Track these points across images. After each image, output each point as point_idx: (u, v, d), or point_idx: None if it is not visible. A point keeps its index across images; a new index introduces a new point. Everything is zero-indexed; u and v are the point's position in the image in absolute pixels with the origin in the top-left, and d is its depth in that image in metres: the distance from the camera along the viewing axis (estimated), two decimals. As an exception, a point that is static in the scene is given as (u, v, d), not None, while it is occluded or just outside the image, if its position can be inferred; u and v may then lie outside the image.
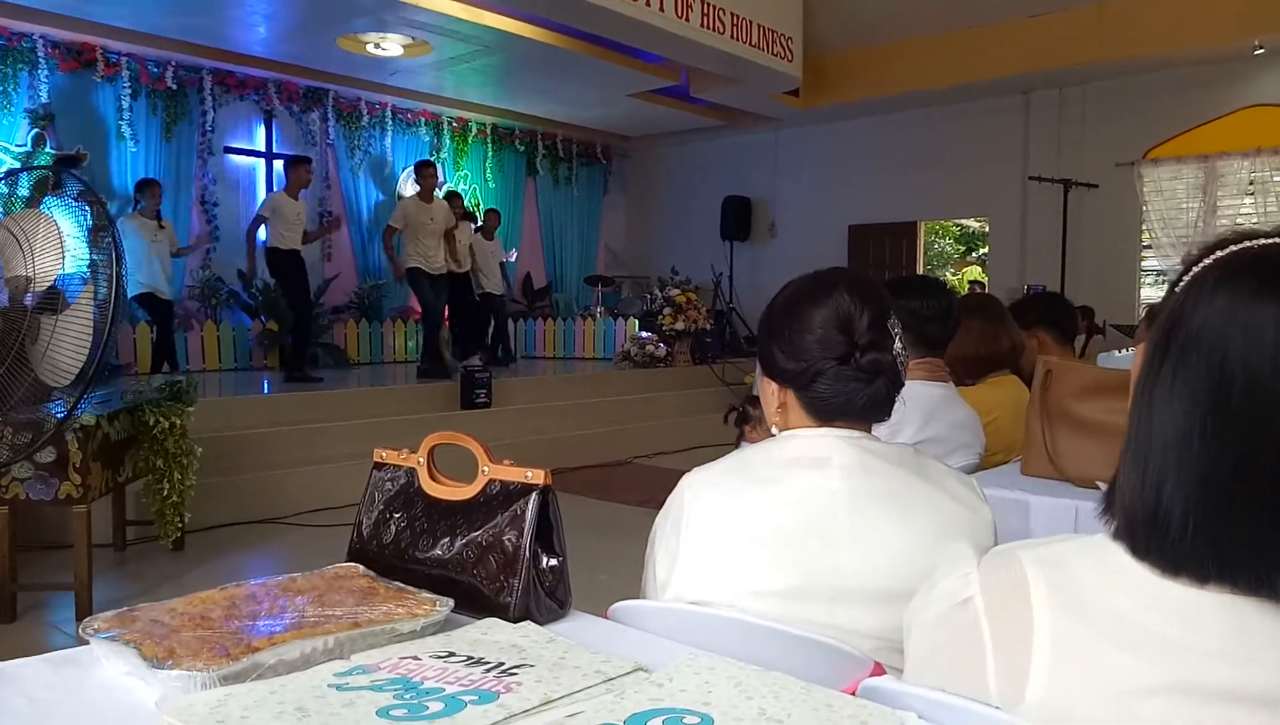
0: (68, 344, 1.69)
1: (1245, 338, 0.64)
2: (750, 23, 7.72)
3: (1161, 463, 0.67)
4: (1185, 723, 0.65)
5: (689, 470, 1.22)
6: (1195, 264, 0.71)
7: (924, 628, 0.79)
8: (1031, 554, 0.73)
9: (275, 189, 8.42)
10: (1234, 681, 0.64)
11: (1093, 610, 0.68)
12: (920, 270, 10.30)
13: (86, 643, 0.95)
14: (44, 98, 7.22)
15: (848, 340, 1.10)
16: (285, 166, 6.87)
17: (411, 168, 7.55)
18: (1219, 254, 0.70)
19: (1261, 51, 7.55)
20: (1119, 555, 0.69)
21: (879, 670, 0.97)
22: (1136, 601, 0.67)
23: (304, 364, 6.82)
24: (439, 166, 7.54)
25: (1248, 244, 0.69)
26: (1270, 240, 0.69)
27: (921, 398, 1.90)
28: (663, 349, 8.84)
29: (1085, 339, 7.11)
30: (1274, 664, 0.64)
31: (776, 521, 1.09)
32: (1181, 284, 0.70)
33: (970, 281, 12.38)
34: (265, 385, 6.93)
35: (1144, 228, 8.52)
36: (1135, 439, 0.70)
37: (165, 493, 3.96)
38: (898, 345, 1.12)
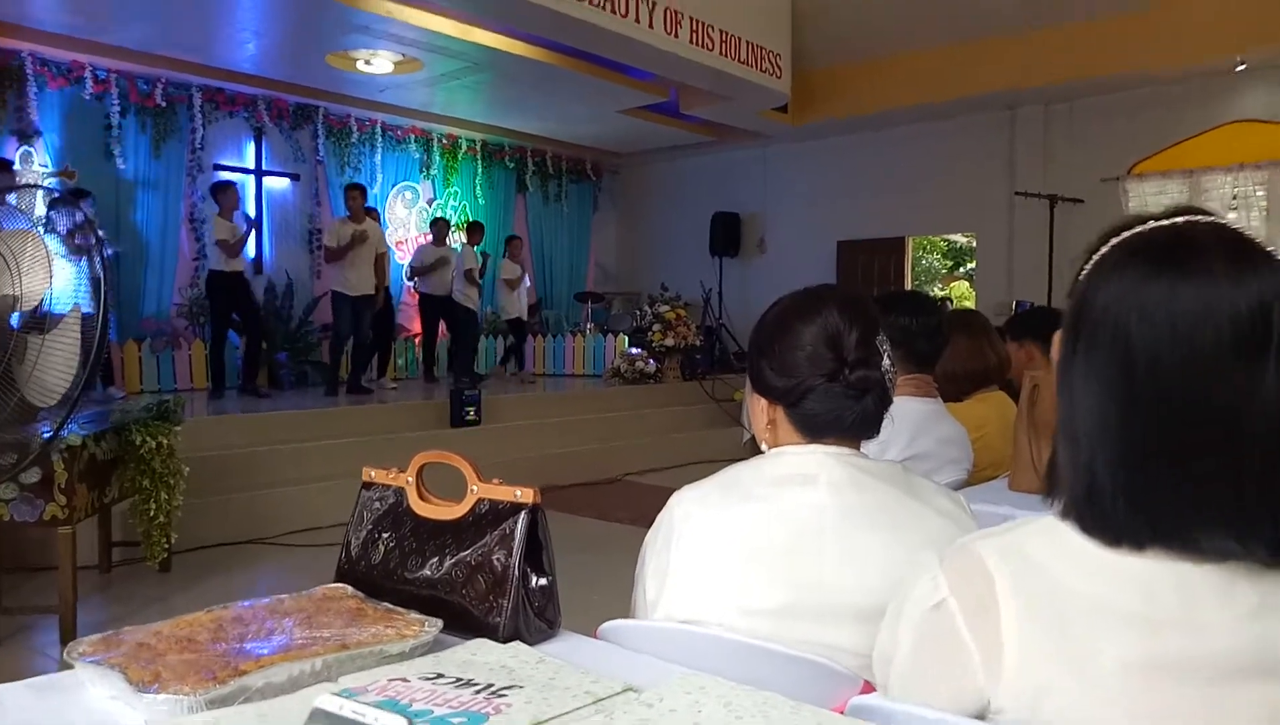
0: (55, 364, 1.68)
1: (1141, 318, 0.68)
2: (739, 39, 7.78)
3: (1087, 442, 0.71)
4: (1149, 693, 0.67)
5: (679, 487, 1.22)
6: (1095, 251, 0.75)
7: (905, 636, 0.80)
8: (990, 544, 0.76)
9: (257, 208, 8.54)
10: (1191, 650, 0.67)
11: (1054, 590, 0.71)
12: (908, 286, 10.35)
13: (71, 667, 0.94)
14: (32, 115, 7.21)
15: (837, 357, 1.11)
16: (213, 191, 7.13)
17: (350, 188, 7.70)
18: (1114, 241, 0.74)
19: (1244, 68, 7.65)
20: (1070, 534, 0.72)
21: (868, 688, 0.96)
22: (1092, 577, 0.70)
23: (254, 378, 7.16)
24: (366, 189, 7.75)
25: (1139, 228, 0.73)
26: (1158, 223, 0.73)
27: (909, 414, 1.90)
28: (652, 365, 8.85)
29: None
30: (1222, 629, 0.67)
31: (766, 539, 1.09)
32: (1084, 271, 0.75)
33: (941, 298, 12.40)
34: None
35: (1129, 242, 8.57)
36: (1062, 421, 0.74)
37: (152, 513, 3.92)
38: (886, 362, 1.12)
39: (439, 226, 8.60)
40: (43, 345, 1.69)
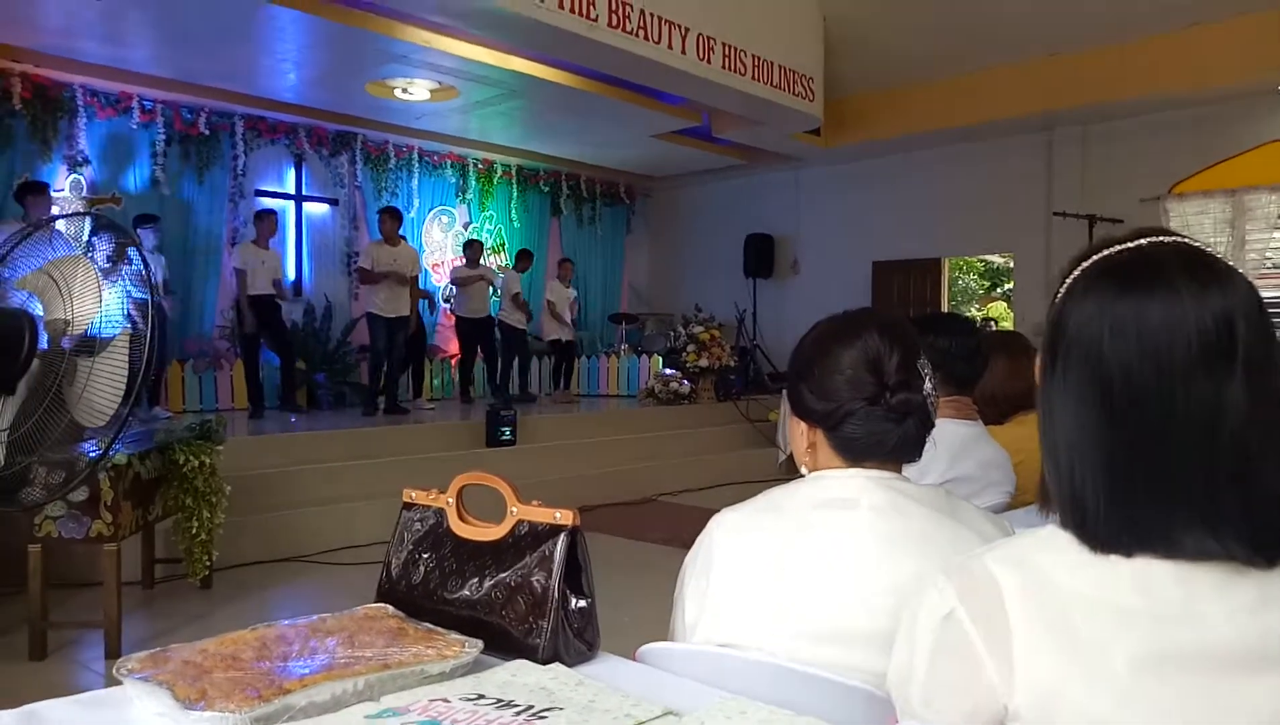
0: (103, 385, 1.72)
1: (1113, 335, 0.72)
2: (771, 64, 7.80)
3: (1069, 455, 0.75)
4: (1160, 688, 0.70)
5: (714, 508, 1.21)
6: (1068, 275, 0.79)
7: (921, 651, 0.80)
8: (994, 556, 0.78)
9: (293, 233, 8.74)
10: (1195, 643, 0.70)
11: (1059, 595, 0.73)
12: (944, 307, 10.25)
13: (117, 682, 0.96)
14: (82, 144, 7.42)
15: (877, 381, 1.10)
16: (255, 218, 7.38)
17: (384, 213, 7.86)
18: (1083, 264, 0.78)
19: (1286, 87, 7.53)
20: (1069, 541, 0.75)
21: (912, 715, 0.95)
22: (1093, 580, 0.73)
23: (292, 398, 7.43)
24: (401, 213, 7.92)
25: (1106, 251, 0.78)
26: (1124, 246, 0.77)
27: (949, 437, 1.88)
28: (687, 386, 8.84)
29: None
30: (1223, 621, 0.70)
31: (807, 562, 1.09)
32: (1059, 294, 0.79)
33: (984, 318, 12.26)
34: (292, 423, 6.99)
35: (1171, 263, 8.43)
36: (1045, 438, 0.78)
37: (194, 531, 3.99)
38: (928, 385, 1.12)
39: (474, 248, 8.70)
40: (92, 367, 1.73)
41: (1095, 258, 0.78)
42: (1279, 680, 0.69)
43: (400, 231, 7.69)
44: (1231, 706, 0.69)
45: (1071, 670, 0.71)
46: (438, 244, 10.12)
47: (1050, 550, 0.76)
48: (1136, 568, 0.72)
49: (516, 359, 8.87)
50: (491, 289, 8.73)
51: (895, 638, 0.84)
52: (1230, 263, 0.75)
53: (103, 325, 1.74)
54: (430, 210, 9.98)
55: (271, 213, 7.49)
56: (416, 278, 7.70)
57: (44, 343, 1.67)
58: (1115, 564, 0.73)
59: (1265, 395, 0.70)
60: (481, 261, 8.79)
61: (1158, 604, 0.71)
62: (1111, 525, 0.73)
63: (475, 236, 9.72)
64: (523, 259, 9.04)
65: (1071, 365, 0.75)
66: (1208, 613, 0.70)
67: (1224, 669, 0.69)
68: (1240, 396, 0.69)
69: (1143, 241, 0.77)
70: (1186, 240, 0.76)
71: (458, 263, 9.27)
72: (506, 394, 8.47)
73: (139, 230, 6.76)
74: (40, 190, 5.98)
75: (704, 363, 9.07)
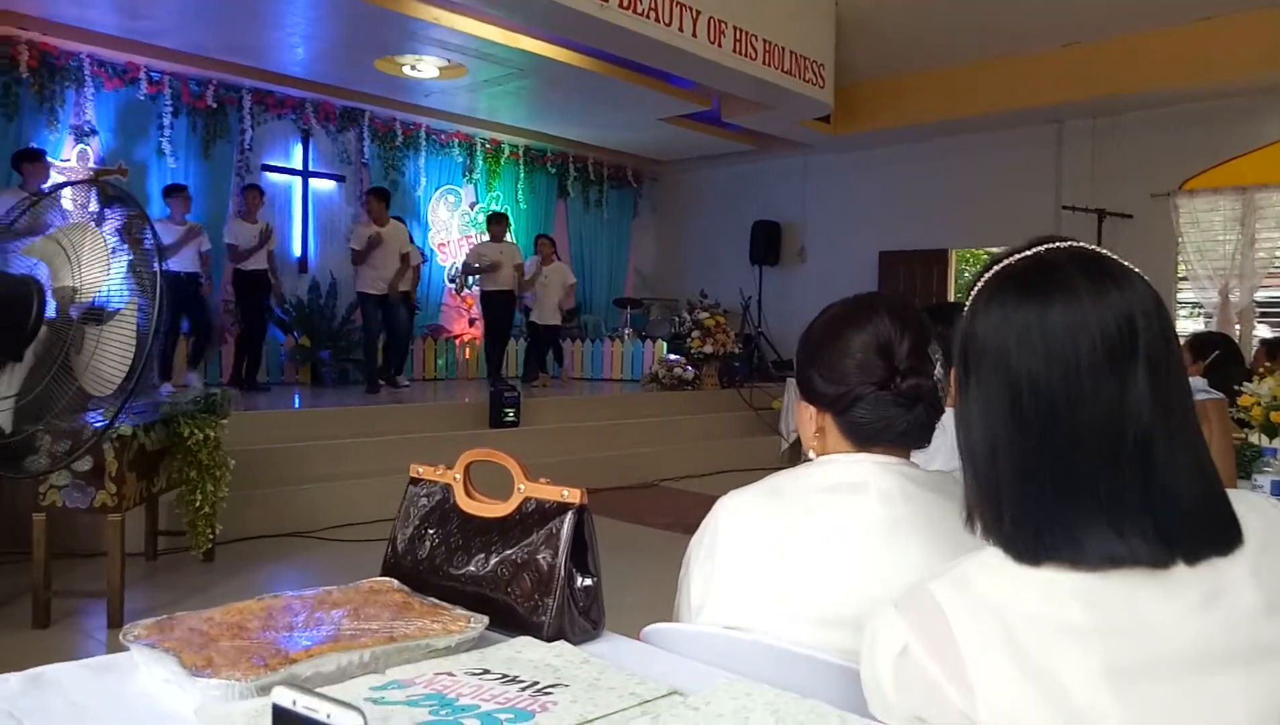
0: (111, 354, 1.72)
1: (1018, 342, 0.73)
2: (782, 49, 7.75)
3: (986, 467, 0.76)
4: (1119, 701, 0.69)
5: (716, 494, 1.21)
6: (971, 287, 0.80)
7: (886, 684, 0.79)
8: (940, 582, 0.78)
9: (299, 209, 8.75)
10: (1150, 654, 0.70)
11: (1003, 618, 0.73)
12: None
13: (118, 650, 0.96)
14: (88, 115, 7.40)
15: (888, 365, 1.10)
16: (242, 192, 7.29)
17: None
18: (985, 276, 0.79)
19: (1301, 83, 7.47)
20: (1007, 561, 0.75)
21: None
22: (1039, 599, 0.73)
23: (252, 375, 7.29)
24: (389, 193, 7.95)
25: (1006, 261, 0.79)
26: (1023, 254, 0.78)
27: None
28: (690, 372, 8.84)
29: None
30: (1172, 625, 0.70)
31: (813, 546, 1.09)
32: (965, 307, 0.79)
33: None
34: (297, 399, 7.01)
35: (1180, 260, 8.40)
36: (961, 446, 0.78)
37: (198, 504, 4.00)
38: (938, 371, 1.11)
39: (501, 223, 8.63)
40: (100, 336, 1.73)
41: (996, 268, 0.78)
42: (1242, 675, 0.69)
43: (395, 211, 7.72)
44: (1197, 710, 0.69)
45: (1026, 691, 0.71)
46: (443, 223, 10.09)
47: (990, 573, 0.76)
48: (1074, 581, 0.71)
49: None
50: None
51: (860, 657, 0.83)
52: (1126, 264, 0.76)
53: (111, 294, 1.74)
54: (437, 189, 9.96)
55: (253, 187, 7.47)
56: (408, 256, 7.67)
57: (52, 310, 1.67)
58: (1053, 579, 0.72)
59: (1168, 393, 0.71)
60: (508, 237, 8.73)
61: (1100, 616, 0.70)
62: (1025, 533, 0.73)
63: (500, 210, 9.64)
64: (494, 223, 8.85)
65: (982, 376, 0.75)
66: (1156, 620, 0.70)
67: (1182, 674, 0.69)
68: (1144, 395, 0.70)
69: (1040, 248, 0.77)
70: (1082, 245, 0.77)
71: (480, 239, 9.23)
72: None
73: (169, 200, 6.80)
74: (37, 157, 5.93)
75: (708, 349, 9.06)
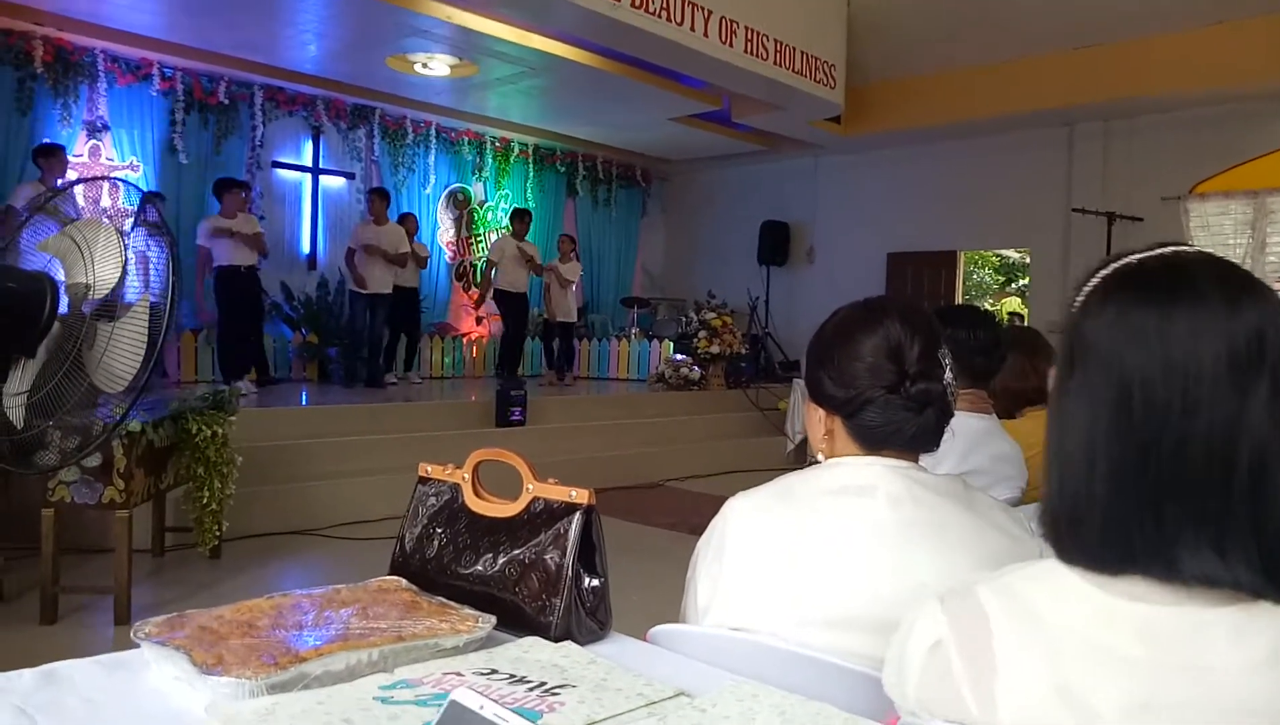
0: (123, 350, 1.73)
1: (1134, 344, 0.70)
2: (794, 49, 7.75)
3: (1077, 466, 0.72)
4: None
5: (722, 495, 1.21)
6: (1084, 283, 0.77)
7: (910, 675, 0.80)
8: (989, 586, 0.76)
9: (309, 206, 8.78)
10: (1195, 694, 0.67)
11: (1050, 633, 0.71)
12: (959, 300, 10.20)
13: (125, 647, 0.97)
14: (101, 110, 7.43)
15: (898, 369, 1.10)
16: (220, 190, 7.00)
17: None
18: (1102, 272, 0.76)
19: (1314, 87, 7.43)
20: (1068, 576, 0.73)
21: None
22: (1090, 621, 0.70)
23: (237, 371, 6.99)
24: (389, 193, 7.99)
25: (1128, 258, 0.76)
26: (1149, 253, 0.75)
27: (963, 429, 1.87)
28: (697, 372, 8.84)
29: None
30: (1232, 673, 0.67)
31: (821, 549, 1.09)
32: (1075, 303, 0.77)
33: (1010, 313, 12.22)
34: (304, 397, 7.03)
35: (1190, 263, 8.36)
36: (1053, 447, 0.75)
37: (205, 500, 4.01)
38: (948, 376, 1.11)
39: (524, 220, 8.62)
40: (113, 332, 1.74)
41: (1115, 265, 0.76)
42: None
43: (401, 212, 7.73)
44: None
45: (1056, 713, 0.69)
46: (452, 221, 10.11)
47: (1047, 586, 0.74)
48: (1138, 611, 0.69)
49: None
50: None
51: (891, 639, 0.83)
52: (1257, 276, 0.73)
53: (124, 291, 1.75)
54: (446, 187, 9.98)
55: (243, 184, 7.36)
56: (405, 255, 7.69)
57: (65, 307, 1.68)
58: (1116, 604, 0.70)
59: None
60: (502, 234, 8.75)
61: (1157, 650, 0.68)
62: (1109, 540, 0.70)
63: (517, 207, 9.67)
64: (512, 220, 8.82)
65: (1088, 374, 0.72)
66: (1217, 665, 0.67)
67: (1225, 719, 0.66)
68: (1263, 414, 0.67)
69: (1166, 250, 0.75)
70: (1211, 252, 0.75)
71: (490, 237, 9.26)
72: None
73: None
74: (55, 152, 5.98)
75: (715, 349, 9.05)
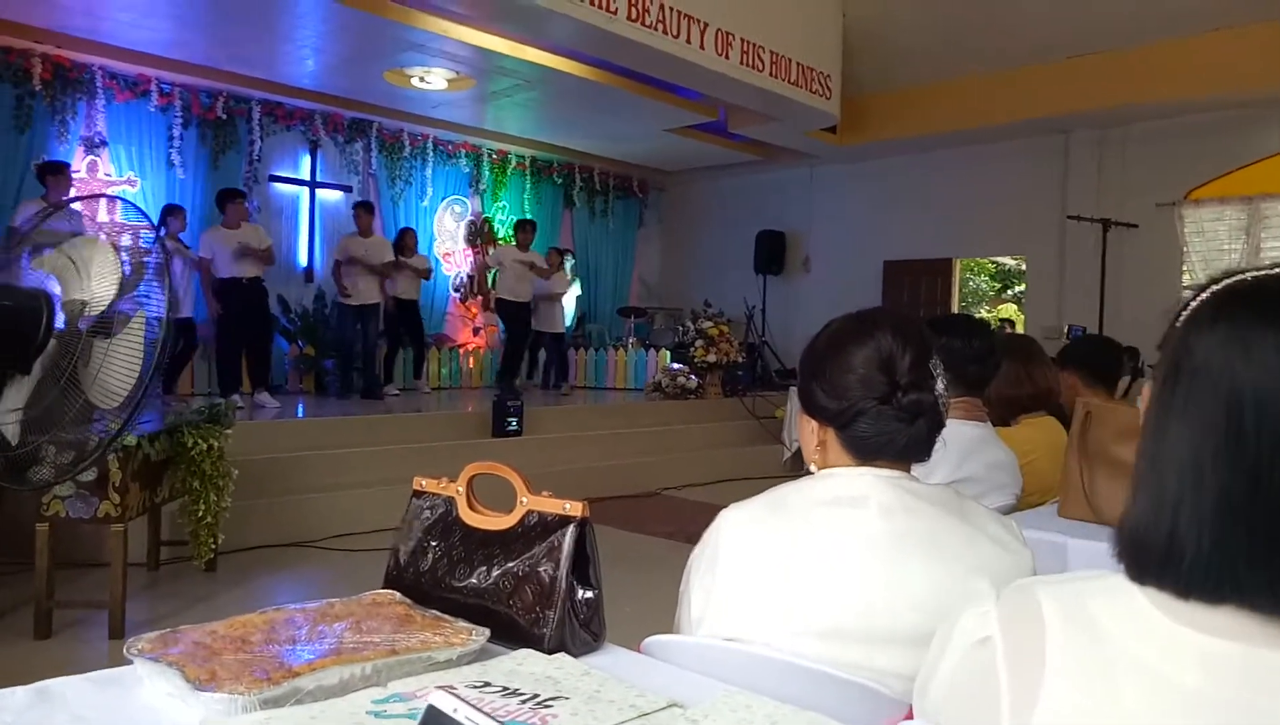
0: (118, 367, 1.74)
1: (1250, 365, 0.66)
2: (789, 61, 7.78)
3: (1177, 488, 0.68)
4: None
5: (719, 504, 1.21)
6: (1193, 299, 0.74)
7: (945, 666, 0.78)
8: (1050, 591, 0.73)
9: (306, 219, 8.81)
10: None
11: (1110, 653, 0.68)
12: (955, 308, 10.23)
13: (120, 661, 0.97)
14: (99, 126, 7.45)
15: (889, 380, 1.10)
16: (223, 201, 6.88)
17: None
18: (1214, 288, 0.73)
19: (1306, 94, 7.47)
20: (1137, 597, 0.70)
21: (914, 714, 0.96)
22: (1152, 647, 0.67)
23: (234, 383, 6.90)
24: (372, 206, 8.01)
25: (1243, 275, 0.72)
26: (1268, 271, 0.72)
27: (958, 437, 1.88)
28: (694, 381, 8.84)
29: (1130, 381, 7.00)
30: None
31: (814, 560, 1.09)
32: (1181, 318, 0.73)
33: (1002, 320, 12.21)
34: (300, 409, 7.02)
35: (1185, 269, 8.39)
36: (1149, 467, 0.71)
37: (200, 514, 4.00)
38: (940, 386, 1.12)
39: (527, 231, 8.60)
40: (108, 348, 1.75)
41: (1228, 282, 0.72)
42: None
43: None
44: None
45: None
46: (450, 233, 10.13)
47: (1114, 603, 0.70)
48: (1206, 644, 0.66)
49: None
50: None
51: (930, 640, 0.82)
52: None
53: (118, 307, 1.76)
54: (443, 199, 10.00)
55: (242, 194, 7.23)
56: (390, 265, 7.69)
57: (61, 323, 1.68)
58: (1184, 635, 0.67)
59: None
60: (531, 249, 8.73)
61: (1221, 688, 0.65)
62: (1208, 568, 0.66)
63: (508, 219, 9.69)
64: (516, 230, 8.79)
65: (1196, 393, 0.69)
66: (1274, 710, 0.64)
67: None
68: None
69: None
70: None
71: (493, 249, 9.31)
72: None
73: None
74: (60, 170, 6.00)
75: (712, 358, 9.06)
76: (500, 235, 10.35)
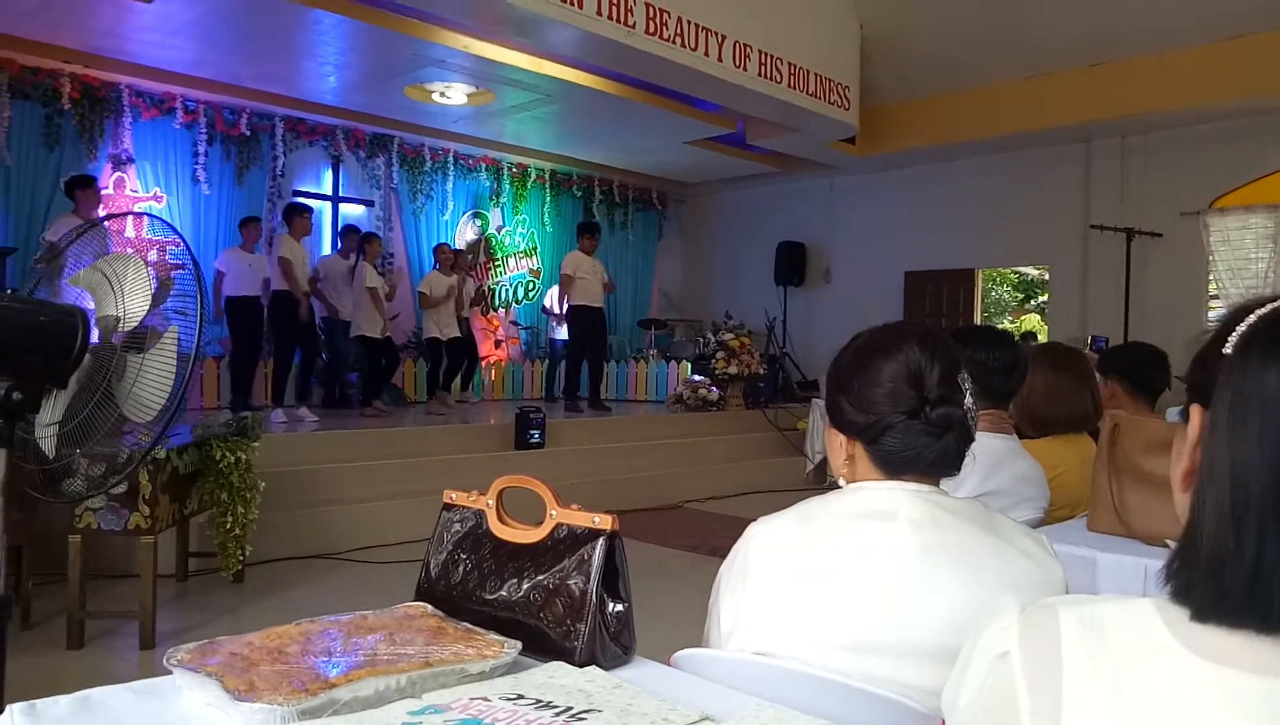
0: (151, 380, 1.77)
1: None
2: (807, 72, 7.80)
3: (1229, 515, 0.66)
4: None
5: (742, 516, 1.22)
6: (1232, 322, 0.71)
7: (969, 683, 0.78)
8: (1071, 612, 0.72)
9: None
10: None
11: (1128, 675, 0.67)
12: (978, 318, 10.17)
13: (151, 671, 0.99)
14: (126, 144, 7.58)
15: (918, 394, 1.10)
16: (240, 224, 7.24)
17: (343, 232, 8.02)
18: (1261, 312, 0.70)
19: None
20: (1162, 627, 0.68)
21: (946, 728, 0.95)
22: (1173, 678, 0.66)
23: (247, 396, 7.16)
24: (358, 230, 8.13)
25: None
26: None
27: (984, 450, 1.87)
28: (715, 393, 8.84)
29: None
30: None
31: (843, 574, 1.09)
32: (1230, 341, 0.70)
33: (1024, 333, 12.08)
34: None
35: (1211, 278, 8.31)
36: (1201, 493, 0.69)
37: (229, 526, 4.05)
38: (968, 400, 1.12)
39: (595, 235, 8.46)
40: (142, 363, 1.78)
41: (1276, 305, 0.70)
42: None
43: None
44: None
45: None
46: (470, 247, 10.20)
47: (1138, 627, 0.69)
48: (1230, 678, 0.65)
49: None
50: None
51: (958, 655, 0.81)
52: None
53: (151, 322, 1.79)
54: (464, 213, 10.08)
55: (298, 207, 7.43)
56: (375, 289, 7.62)
57: (96, 338, 1.72)
58: (1206, 670, 0.65)
59: None
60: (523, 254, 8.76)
61: (1243, 719, 0.64)
62: (1264, 596, 0.64)
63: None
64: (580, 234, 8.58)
65: (1248, 417, 0.67)
66: None
67: None
68: None
69: None
70: None
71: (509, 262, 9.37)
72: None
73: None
74: (88, 184, 6.09)
75: (733, 370, 9.06)
76: (498, 255, 10.40)
